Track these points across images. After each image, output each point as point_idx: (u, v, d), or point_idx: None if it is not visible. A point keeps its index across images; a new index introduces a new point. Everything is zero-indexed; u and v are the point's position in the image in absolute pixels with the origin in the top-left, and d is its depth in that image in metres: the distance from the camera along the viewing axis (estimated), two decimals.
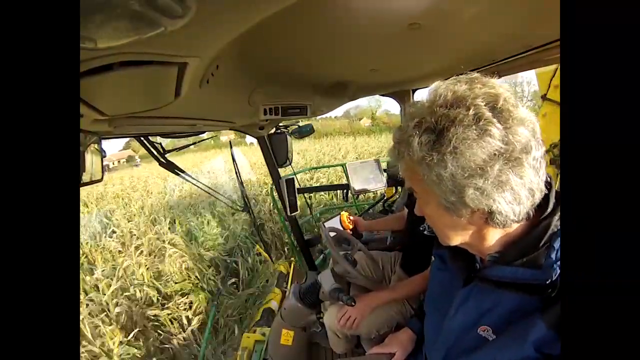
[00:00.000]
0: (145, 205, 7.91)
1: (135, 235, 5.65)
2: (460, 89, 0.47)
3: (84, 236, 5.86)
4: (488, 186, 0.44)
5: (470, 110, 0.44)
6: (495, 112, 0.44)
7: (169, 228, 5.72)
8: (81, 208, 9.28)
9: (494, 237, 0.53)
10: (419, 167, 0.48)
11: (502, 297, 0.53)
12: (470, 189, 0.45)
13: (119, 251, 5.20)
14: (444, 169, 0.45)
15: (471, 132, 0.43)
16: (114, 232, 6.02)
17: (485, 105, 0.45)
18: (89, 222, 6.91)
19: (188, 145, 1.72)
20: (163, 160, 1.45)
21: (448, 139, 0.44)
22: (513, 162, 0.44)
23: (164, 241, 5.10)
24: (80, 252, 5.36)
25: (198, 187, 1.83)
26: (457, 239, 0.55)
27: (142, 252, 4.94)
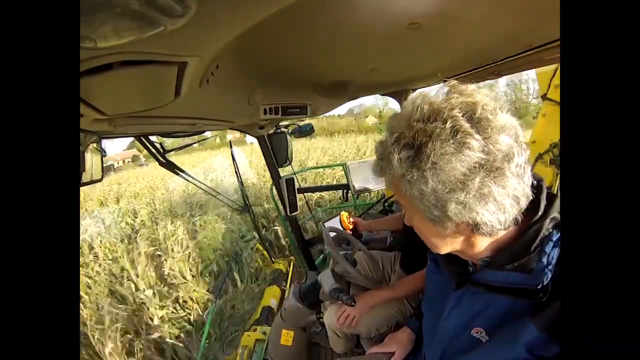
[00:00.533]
0: (172, 205, 7.56)
1: (169, 235, 5.33)
2: (436, 100, 0.47)
3: (112, 238, 5.67)
4: (470, 199, 0.44)
5: (447, 124, 0.43)
6: (473, 122, 0.44)
7: (202, 227, 5.53)
8: (100, 208, 8.98)
9: (482, 244, 0.53)
10: (401, 184, 0.48)
11: (493, 300, 0.53)
12: (452, 203, 0.44)
13: (158, 255, 4.86)
14: (425, 184, 0.45)
15: (449, 147, 0.43)
16: (138, 233, 5.73)
17: (462, 116, 0.44)
18: (114, 222, 6.65)
19: (191, 144, 1.72)
20: (163, 160, 1.45)
21: (426, 154, 0.44)
22: (494, 172, 0.43)
23: (200, 241, 4.99)
24: (111, 256, 5.15)
25: (199, 187, 1.83)
26: (447, 248, 0.55)
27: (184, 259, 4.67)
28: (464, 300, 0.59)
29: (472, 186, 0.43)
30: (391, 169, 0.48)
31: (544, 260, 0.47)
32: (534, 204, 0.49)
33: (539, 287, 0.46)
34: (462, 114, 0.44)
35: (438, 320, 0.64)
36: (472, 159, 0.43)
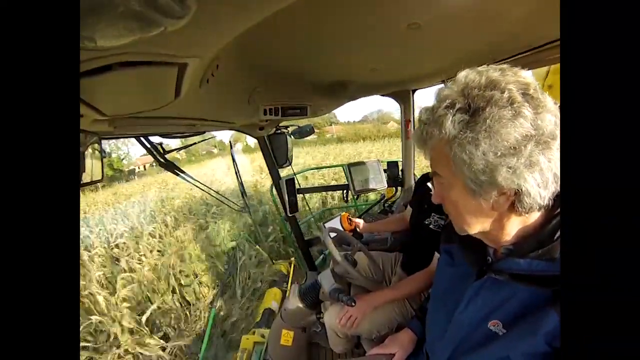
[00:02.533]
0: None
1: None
2: (493, 74, 0.49)
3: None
4: (520, 165, 0.45)
5: (505, 93, 0.46)
6: (526, 98, 0.46)
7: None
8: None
9: (513, 226, 0.53)
10: (449, 147, 0.49)
11: (515, 290, 0.53)
12: (503, 167, 0.46)
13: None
14: (476, 147, 0.46)
15: (506, 112, 0.45)
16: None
17: (517, 91, 0.46)
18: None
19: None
20: (162, 161, 1.45)
21: (483, 117, 0.45)
22: (543, 144, 0.45)
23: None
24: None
25: (200, 188, 1.83)
26: (477, 227, 0.55)
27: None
28: (484, 291, 0.58)
29: (523, 152, 0.45)
30: (443, 131, 0.48)
31: None
32: (558, 197, 0.50)
33: None
34: (516, 88, 0.46)
35: (450, 315, 0.64)
36: (524, 128, 0.45)
